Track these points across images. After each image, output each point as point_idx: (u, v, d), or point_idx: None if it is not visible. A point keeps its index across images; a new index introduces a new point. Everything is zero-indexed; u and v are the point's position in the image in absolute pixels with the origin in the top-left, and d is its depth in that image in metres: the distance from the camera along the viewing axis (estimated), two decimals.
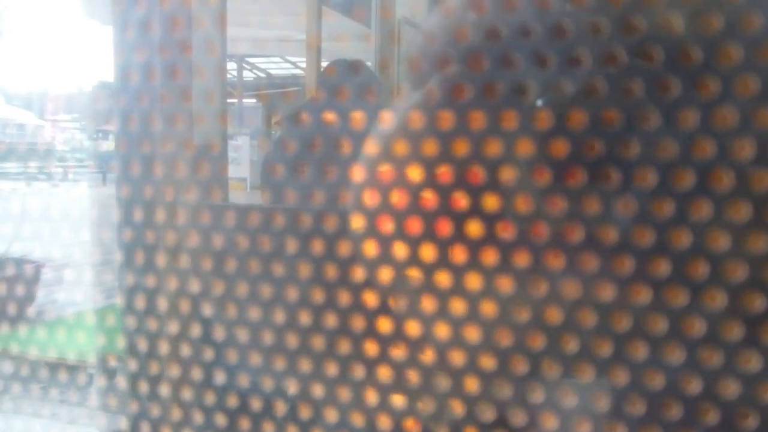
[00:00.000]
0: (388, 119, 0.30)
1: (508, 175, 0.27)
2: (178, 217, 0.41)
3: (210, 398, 0.41)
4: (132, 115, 0.43)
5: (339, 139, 0.35)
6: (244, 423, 0.39)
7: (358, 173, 0.30)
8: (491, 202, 0.27)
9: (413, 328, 0.31)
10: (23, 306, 0.58)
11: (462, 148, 0.28)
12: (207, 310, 0.40)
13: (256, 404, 0.39)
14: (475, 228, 0.28)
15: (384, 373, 0.34)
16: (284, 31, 4.25)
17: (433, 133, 0.28)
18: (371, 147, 0.30)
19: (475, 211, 0.28)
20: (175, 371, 0.42)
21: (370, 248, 0.30)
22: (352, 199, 0.31)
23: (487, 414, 0.30)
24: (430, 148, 0.28)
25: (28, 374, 0.58)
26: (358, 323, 0.34)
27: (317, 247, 0.35)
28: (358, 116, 0.33)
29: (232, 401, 0.40)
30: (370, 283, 0.32)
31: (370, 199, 0.30)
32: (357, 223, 0.30)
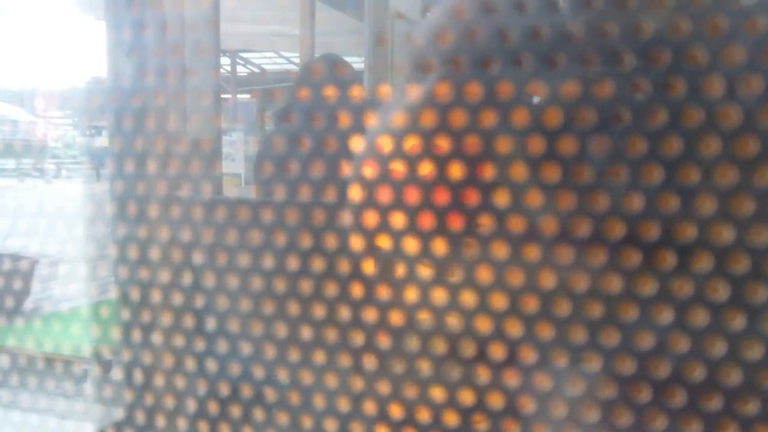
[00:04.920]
0: (396, 116, 0.31)
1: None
2: (172, 213, 0.42)
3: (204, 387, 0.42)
4: (125, 111, 0.44)
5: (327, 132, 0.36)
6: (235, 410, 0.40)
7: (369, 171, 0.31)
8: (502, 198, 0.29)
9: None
10: (18, 301, 0.58)
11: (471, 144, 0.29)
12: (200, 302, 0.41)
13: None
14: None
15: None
16: (278, 26, 4.24)
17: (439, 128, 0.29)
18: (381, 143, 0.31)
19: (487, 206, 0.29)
20: (169, 362, 0.43)
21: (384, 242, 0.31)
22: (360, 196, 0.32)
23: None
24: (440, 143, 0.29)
25: (23, 368, 0.59)
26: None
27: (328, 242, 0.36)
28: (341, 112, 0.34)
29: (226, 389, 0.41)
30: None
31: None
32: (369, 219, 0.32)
